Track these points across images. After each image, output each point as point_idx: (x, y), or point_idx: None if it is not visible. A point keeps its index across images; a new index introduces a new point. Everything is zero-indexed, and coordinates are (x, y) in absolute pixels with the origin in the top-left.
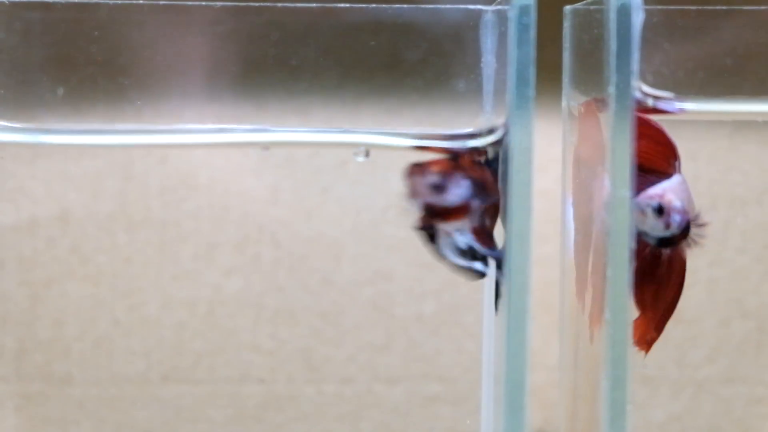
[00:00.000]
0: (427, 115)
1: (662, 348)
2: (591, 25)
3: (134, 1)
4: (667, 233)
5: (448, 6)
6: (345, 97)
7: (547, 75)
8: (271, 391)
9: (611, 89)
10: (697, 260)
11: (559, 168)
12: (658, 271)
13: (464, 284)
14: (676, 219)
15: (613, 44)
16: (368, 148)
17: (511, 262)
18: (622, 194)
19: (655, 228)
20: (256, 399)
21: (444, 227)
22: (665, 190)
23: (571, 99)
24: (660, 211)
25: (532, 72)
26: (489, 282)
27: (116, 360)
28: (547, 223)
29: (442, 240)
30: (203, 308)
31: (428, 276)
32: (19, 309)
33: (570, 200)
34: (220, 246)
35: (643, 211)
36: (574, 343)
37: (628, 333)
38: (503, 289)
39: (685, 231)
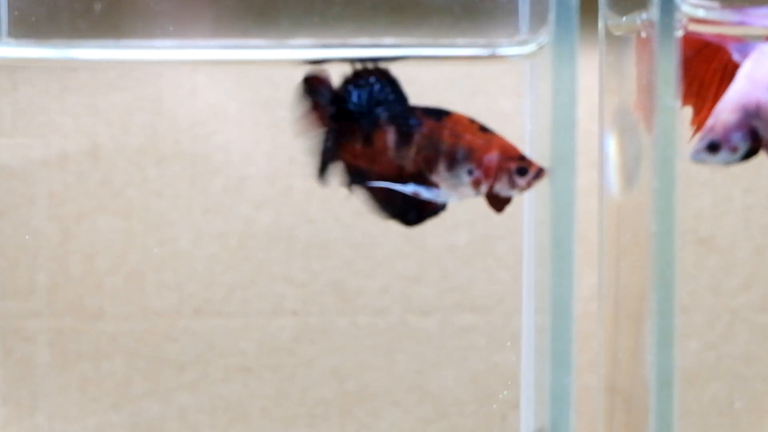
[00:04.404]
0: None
1: (697, 276)
2: None
3: None
4: None
5: None
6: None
7: None
8: (303, 323)
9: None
10: (731, 188)
11: (593, 98)
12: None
13: (498, 215)
14: None
15: None
16: None
17: (555, 191)
18: (668, 103)
19: None
20: (288, 331)
21: None
22: None
23: (608, 19)
24: None
25: None
26: (527, 212)
27: (148, 294)
28: (581, 155)
29: None
30: (235, 241)
31: (461, 206)
32: (50, 244)
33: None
34: (251, 179)
35: None
36: (615, 273)
37: (675, 260)
38: None
39: None
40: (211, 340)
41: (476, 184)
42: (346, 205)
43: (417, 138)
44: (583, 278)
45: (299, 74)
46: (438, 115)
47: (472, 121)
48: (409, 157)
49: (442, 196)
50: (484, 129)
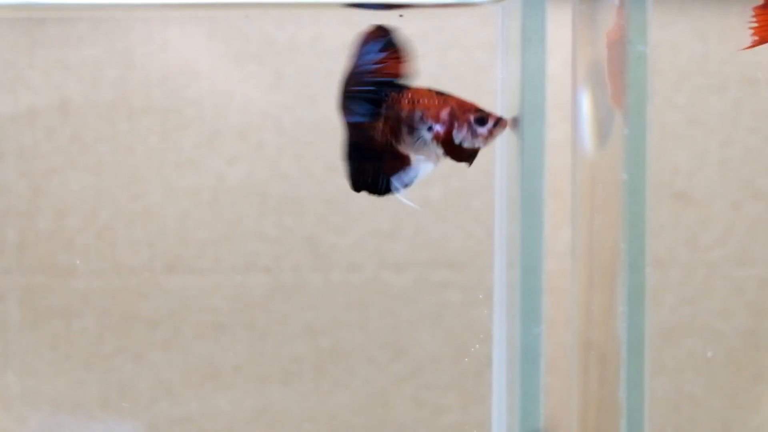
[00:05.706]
0: None
1: (673, 231)
2: None
3: None
4: None
5: None
6: None
7: None
8: (277, 279)
9: None
10: (707, 141)
11: (569, 51)
12: None
13: (471, 170)
14: None
15: None
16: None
17: (524, 143)
18: (639, 50)
19: None
20: (261, 288)
21: None
22: None
23: None
24: None
25: None
26: (499, 166)
27: (119, 250)
28: (555, 109)
29: None
30: (207, 197)
31: None
32: (20, 200)
33: None
34: (223, 133)
35: None
36: (588, 229)
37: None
38: None
39: None
40: (183, 296)
41: (438, 137)
42: (319, 160)
43: (384, 110)
44: (558, 233)
45: (271, 29)
46: (399, 88)
47: (429, 90)
48: (378, 129)
49: (422, 168)
50: (440, 93)
